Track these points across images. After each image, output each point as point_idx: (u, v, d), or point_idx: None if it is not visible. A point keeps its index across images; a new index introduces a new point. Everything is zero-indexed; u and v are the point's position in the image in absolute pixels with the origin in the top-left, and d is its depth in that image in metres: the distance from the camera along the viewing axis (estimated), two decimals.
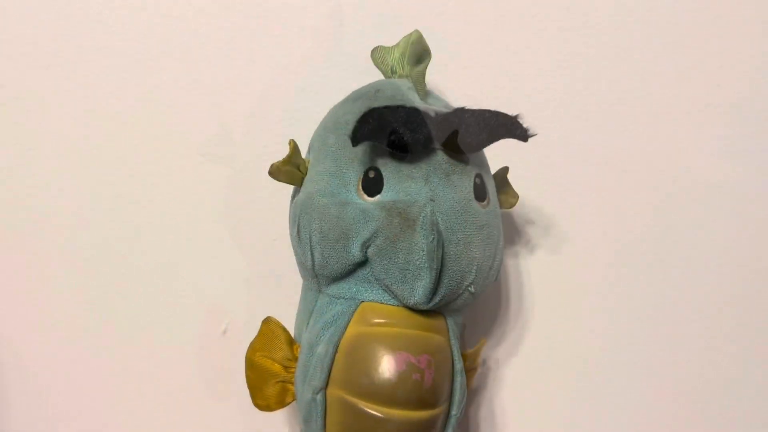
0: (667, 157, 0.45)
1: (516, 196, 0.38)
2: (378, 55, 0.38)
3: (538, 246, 0.46)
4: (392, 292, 0.33)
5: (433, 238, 0.31)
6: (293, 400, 0.36)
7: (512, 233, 0.46)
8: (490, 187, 0.35)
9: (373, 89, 0.35)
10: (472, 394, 0.45)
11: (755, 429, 0.46)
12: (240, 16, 0.43)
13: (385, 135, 0.31)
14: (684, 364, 0.46)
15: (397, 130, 0.31)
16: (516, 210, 0.45)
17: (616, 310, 0.46)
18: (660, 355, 0.46)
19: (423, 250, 0.31)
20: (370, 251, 0.32)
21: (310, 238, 0.33)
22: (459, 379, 0.35)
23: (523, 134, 0.32)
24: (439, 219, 0.32)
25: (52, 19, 0.43)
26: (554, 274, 0.46)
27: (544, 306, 0.46)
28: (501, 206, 0.38)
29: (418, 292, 0.32)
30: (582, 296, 0.46)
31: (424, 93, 0.34)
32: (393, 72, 0.38)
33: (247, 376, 0.36)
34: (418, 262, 0.32)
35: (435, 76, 0.42)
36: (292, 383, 0.35)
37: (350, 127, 0.32)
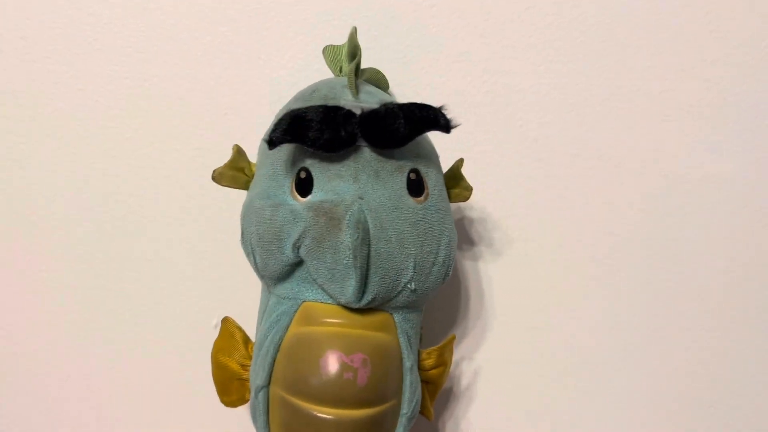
0: (660, 153, 0.45)
1: (469, 189, 0.37)
2: (328, 53, 0.38)
3: (532, 242, 0.45)
4: (326, 292, 0.33)
5: (357, 236, 0.31)
6: None
7: (503, 229, 0.45)
8: (431, 181, 0.34)
9: (310, 90, 0.36)
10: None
11: (751, 428, 0.45)
12: (234, 12, 0.43)
13: (301, 135, 0.31)
14: (680, 363, 0.45)
15: (313, 129, 0.31)
16: (507, 206, 0.44)
17: (607, 307, 0.45)
18: (655, 353, 0.45)
19: (349, 249, 0.31)
20: (302, 252, 0.32)
21: (251, 240, 0.34)
22: (409, 377, 0.34)
23: (446, 125, 0.31)
24: (368, 217, 0.32)
25: (49, 16, 0.43)
26: (546, 271, 0.45)
27: (530, 303, 0.45)
28: (454, 200, 0.37)
29: (348, 291, 0.32)
30: (573, 294, 0.45)
31: (356, 90, 0.34)
32: (341, 71, 0.37)
33: (213, 375, 0.37)
34: (345, 262, 0.31)
35: (426, 72, 0.42)
36: (248, 381, 0.36)
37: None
